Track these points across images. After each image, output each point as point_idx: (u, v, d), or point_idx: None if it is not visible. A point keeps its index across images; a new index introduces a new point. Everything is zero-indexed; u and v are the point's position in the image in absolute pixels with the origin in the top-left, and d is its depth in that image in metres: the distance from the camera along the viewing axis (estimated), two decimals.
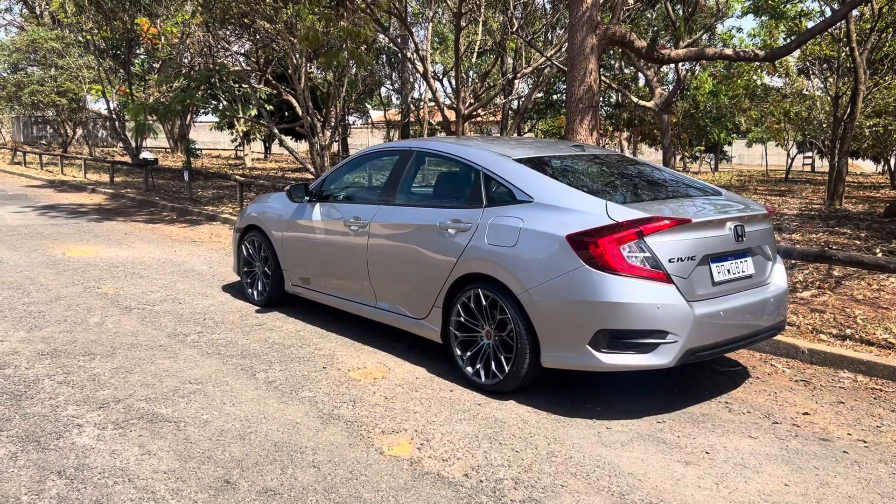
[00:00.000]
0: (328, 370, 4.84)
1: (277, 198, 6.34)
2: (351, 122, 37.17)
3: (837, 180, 15.00)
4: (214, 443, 3.70)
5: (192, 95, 20.51)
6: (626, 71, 24.35)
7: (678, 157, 31.44)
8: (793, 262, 7.45)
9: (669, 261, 3.93)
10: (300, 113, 18.28)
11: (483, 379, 4.44)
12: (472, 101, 20.27)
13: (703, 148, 32.68)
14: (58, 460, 3.49)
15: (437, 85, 28.01)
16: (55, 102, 29.60)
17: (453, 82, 21.08)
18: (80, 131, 34.04)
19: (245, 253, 6.65)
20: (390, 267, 5.09)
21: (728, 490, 3.31)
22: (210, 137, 42.61)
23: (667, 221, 3.93)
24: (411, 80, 29.14)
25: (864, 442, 3.86)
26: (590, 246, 3.92)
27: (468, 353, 4.55)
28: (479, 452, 3.65)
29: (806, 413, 4.24)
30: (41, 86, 29.99)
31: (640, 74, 22.53)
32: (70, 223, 11.85)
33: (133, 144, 24.40)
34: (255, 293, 6.54)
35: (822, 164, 32.48)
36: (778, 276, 4.62)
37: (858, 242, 9.50)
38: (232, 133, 32.84)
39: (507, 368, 4.28)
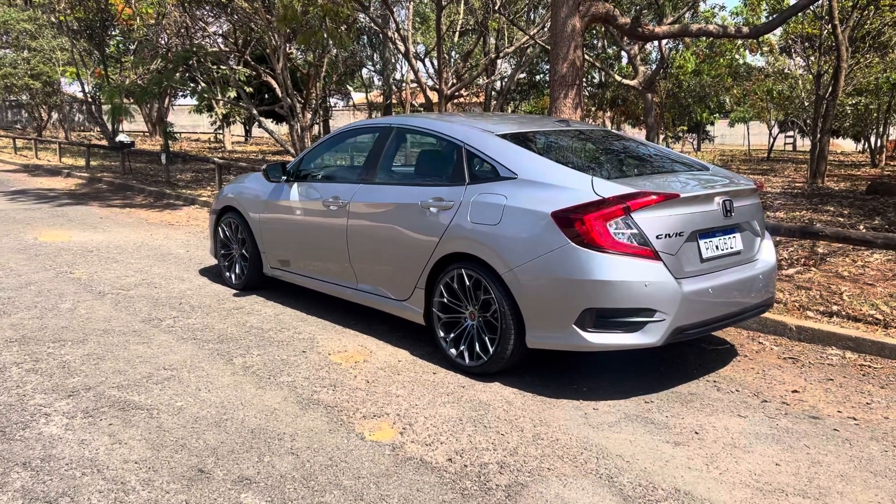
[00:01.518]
0: (308, 354, 4.71)
1: (254, 178, 6.17)
2: (333, 104, 36.78)
3: (819, 159, 15.00)
4: (188, 430, 3.57)
5: (168, 77, 20.12)
6: (610, 50, 24.20)
7: (661, 137, 31.43)
8: (778, 238, 7.40)
9: (657, 237, 3.82)
10: (280, 95, 18.02)
11: (467, 361, 4.32)
12: (455, 81, 20.07)
13: (685, 128, 32.67)
14: (23, 451, 3.34)
15: (419, 65, 27.74)
16: (28, 86, 29.01)
17: (435, 63, 20.86)
18: (55, 115, 33.44)
19: (222, 235, 6.48)
20: (371, 247, 4.95)
21: (718, 471, 3.23)
22: (190, 121, 42.01)
23: (654, 197, 3.81)
24: (393, 60, 28.79)
25: (855, 419, 3.80)
26: (575, 223, 3.80)
27: (452, 335, 4.44)
28: (463, 436, 3.54)
29: (795, 391, 4.18)
30: (14, 68, 29.37)
31: (623, 53, 22.39)
32: (43, 208, 11.58)
33: (110, 128, 23.97)
34: (233, 276, 6.38)
35: (804, 143, 32.61)
36: (766, 252, 4.54)
37: (842, 219, 9.48)
38: (211, 116, 32.41)
39: (491, 350, 4.17)
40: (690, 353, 4.76)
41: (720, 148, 35.96)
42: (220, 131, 32.38)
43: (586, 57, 20.38)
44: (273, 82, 17.14)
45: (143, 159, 19.43)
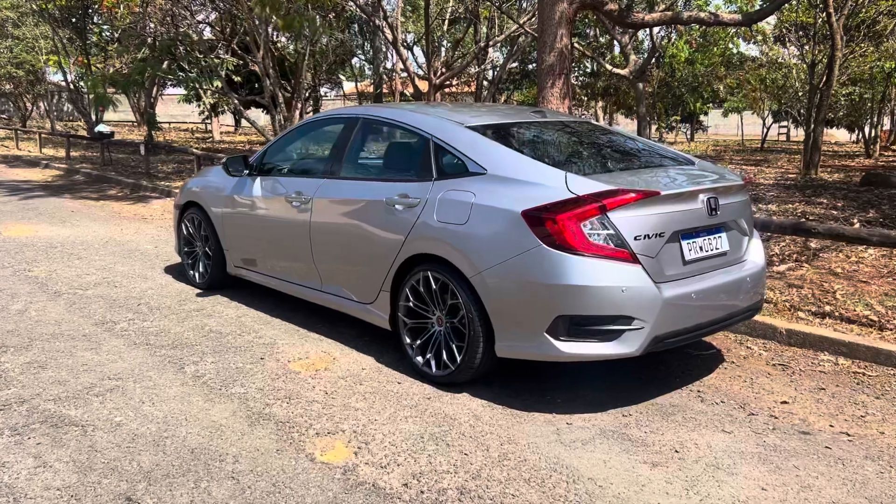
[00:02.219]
0: (266, 361, 4.40)
1: (217, 171, 5.84)
2: (323, 94, 36.29)
3: (813, 149, 14.71)
4: (123, 451, 3.26)
5: (152, 66, 19.69)
6: (602, 39, 23.84)
7: (654, 128, 31.12)
8: (769, 234, 7.11)
9: (635, 238, 3.52)
10: (266, 84, 17.64)
11: (434, 370, 4.03)
12: (444, 70, 19.71)
13: (679, 118, 32.37)
14: None
15: (409, 54, 27.30)
16: (11, 74, 28.50)
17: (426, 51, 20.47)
18: (41, 105, 32.93)
19: (185, 231, 6.15)
20: (335, 247, 4.64)
21: (699, 497, 2.94)
22: (179, 110, 41.43)
23: (632, 195, 3.51)
24: (384, 49, 28.38)
25: (848, 435, 3.52)
26: (547, 223, 3.50)
27: (418, 342, 4.14)
28: (422, 457, 3.25)
29: (784, 402, 3.89)
30: None
31: (615, 42, 22.03)
32: (14, 200, 11.22)
33: (93, 118, 23.53)
34: (197, 275, 6.07)
35: (797, 134, 32.34)
36: (755, 252, 4.25)
37: (836, 212, 9.21)
38: (199, 106, 31.96)
39: (459, 358, 3.88)
40: (673, 360, 4.47)
41: (714, 138, 35.65)
42: (209, 121, 31.92)
43: (577, 45, 20.05)
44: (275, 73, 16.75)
45: (126, 150, 19.03)
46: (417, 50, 27.49)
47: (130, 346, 4.62)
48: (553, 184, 3.62)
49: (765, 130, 27.24)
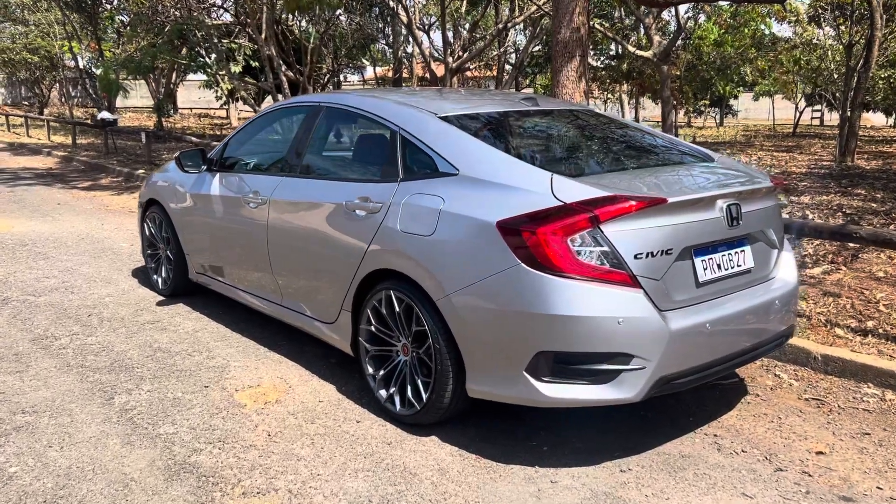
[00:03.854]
0: (210, 390, 3.80)
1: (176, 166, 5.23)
2: (344, 79, 35.63)
3: (849, 135, 13.77)
4: None
5: (163, 50, 19.20)
6: (627, 21, 22.86)
7: (682, 112, 30.02)
8: (802, 239, 6.36)
9: (636, 256, 2.84)
10: (282, 68, 17.06)
11: (398, 407, 3.39)
12: (462, 53, 18.97)
13: (707, 102, 31.23)
14: None
15: (427, 38, 26.53)
16: (27, 60, 28.26)
17: (449, 35, 19.73)
18: (55, 91, 32.70)
19: (147, 232, 5.57)
20: (293, 255, 4.02)
21: None
22: (202, 96, 41.01)
23: (632, 203, 2.82)
24: (404, 33, 27.65)
25: None
26: (525, 236, 2.83)
27: (381, 372, 3.50)
28: None
29: (820, 452, 3.20)
30: (13, 43, 28.63)
31: (641, 24, 21.07)
32: (2, 192, 10.75)
33: (106, 104, 23.14)
34: (160, 281, 5.48)
35: (832, 118, 31.08)
36: (786, 268, 3.53)
37: (875, 205, 8.40)
38: (216, 91, 31.50)
39: (425, 396, 3.23)
40: (686, 391, 3.78)
41: (744, 122, 34.46)
42: (227, 106, 31.46)
43: (600, 27, 19.16)
44: (279, 58, 16.16)
45: (134, 137, 18.56)
46: (436, 33, 26.65)
47: (62, 370, 4.04)
48: (536, 188, 2.95)
49: (797, 115, 26.10)
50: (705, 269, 3.07)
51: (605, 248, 2.81)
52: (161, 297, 5.41)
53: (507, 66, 25.39)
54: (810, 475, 3.01)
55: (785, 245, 3.62)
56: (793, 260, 3.62)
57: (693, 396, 3.74)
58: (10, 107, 34.92)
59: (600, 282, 2.80)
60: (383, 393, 3.48)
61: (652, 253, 2.86)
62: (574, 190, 2.89)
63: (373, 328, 3.50)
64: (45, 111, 29.66)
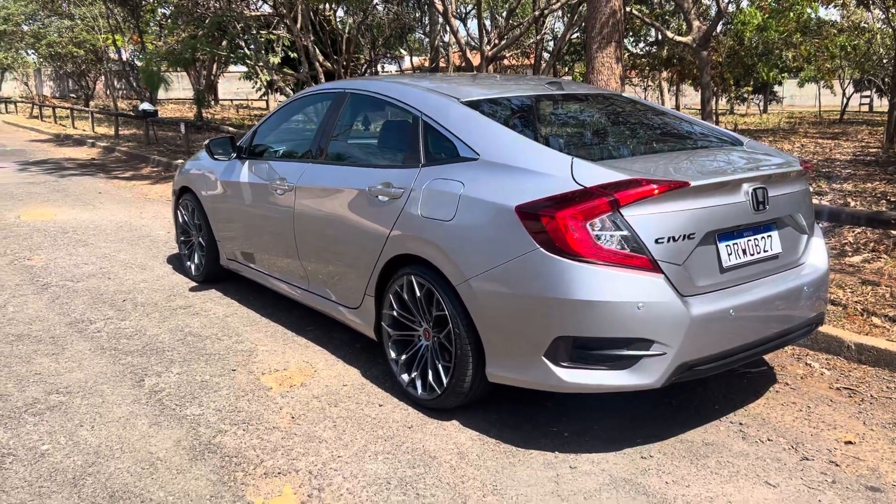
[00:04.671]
0: (237, 373, 3.86)
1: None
2: (381, 69, 35.70)
3: None
4: (32, 492, 2.76)
5: (203, 42, 19.47)
6: (667, 6, 22.45)
7: (725, 99, 29.41)
8: (836, 224, 6.20)
9: (656, 241, 2.80)
10: (320, 59, 17.18)
11: (419, 391, 3.41)
12: (498, 41, 18.85)
13: (750, 89, 30.53)
14: None
15: (464, 26, 26.40)
16: (73, 54, 28.92)
17: (486, 23, 19.62)
18: (103, 83, 33.37)
19: (181, 219, 5.67)
20: (318, 242, 4.06)
21: None
22: (244, 87, 41.49)
23: (654, 186, 2.78)
24: (441, 21, 27.59)
25: None
26: (544, 220, 2.81)
27: (403, 357, 3.52)
28: None
29: (849, 441, 3.13)
30: (59, 36, 29.32)
31: (680, 10, 20.68)
32: (47, 181, 11.05)
33: (147, 95, 23.58)
34: (193, 267, 5.58)
35: (881, 104, 30.14)
36: (816, 254, 3.45)
37: None
38: (255, 83, 31.88)
39: (445, 380, 3.24)
40: (713, 380, 3.73)
41: (788, 109, 33.64)
42: (265, 97, 31.83)
43: (639, 13, 18.86)
44: (314, 48, 16.29)
45: (174, 128, 18.88)
46: (473, 21, 26.54)
47: (95, 352, 4.15)
48: (555, 172, 2.92)
49: (844, 101, 25.39)
50: (730, 255, 3.01)
51: (626, 233, 2.78)
52: (194, 284, 5.51)
53: (545, 54, 25.14)
54: (837, 465, 2.94)
55: (815, 230, 3.53)
56: (823, 245, 3.53)
57: (719, 384, 3.68)
58: (58, 99, 35.83)
59: (620, 266, 2.77)
60: (405, 377, 3.50)
61: (673, 237, 2.82)
62: (594, 174, 2.86)
63: (395, 313, 3.51)
64: (91, 103, 30.33)
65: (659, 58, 22.63)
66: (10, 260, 6.23)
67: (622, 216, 2.77)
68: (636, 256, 2.78)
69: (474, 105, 3.47)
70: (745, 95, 31.28)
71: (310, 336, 4.40)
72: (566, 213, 2.78)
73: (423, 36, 32.14)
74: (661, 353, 2.80)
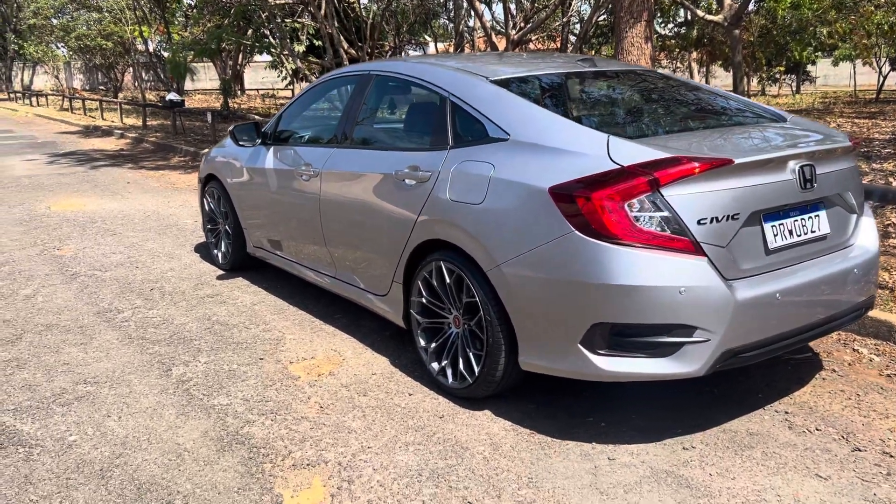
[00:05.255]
0: (265, 362, 3.80)
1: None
2: (406, 56, 35.55)
3: None
4: (59, 484, 2.72)
5: (228, 32, 19.50)
6: None
7: (756, 80, 28.79)
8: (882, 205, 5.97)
9: (699, 222, 2.66)
10: (345, 46, 17.10)
11: (450, 380, 3.31)
12: (523, 24, 18.61)
13: (783, 68, 29.86)
14: None
15: (489, 10, 26.11)
16: (101, 46, 29.18)
17: (511, 7, 19.35)
18: (132, 74, 33.66)
19: (207, 207, 5.63)
20: (344, 228, 3.97)
21: None
22: (270, 77, 41.59)
23: (696, 164, 2.64)
24: (464, 6, 27.33)
25: None
26: (580, 202, 2.69)
27: (433, 345, 3.43)
28: None
29: None
30: (88, 29, 29.59)
31: None
32: (76, 172, 11.12)
33: (174, 86, 23.73)
34: (220, 255, 5.54)
35: None
36: (865, 235, 3.27)
37: None
38: (281, 72, 31.93)
39: (477, 369, 3.14)
40: (755, 367, 3.58)
41: (822, 89, 32.84)
42: (291, 86, 31.85)
43: None
44: (338, 35, 16.23)
45: (201, 118, 18.96)
46: (499, 5, 26.24)
47: (123, 342, 4.11)
48: (591, 150, 2.79)
49: (881, 80, 24.69)
50: (775, 236, 2.87)
51: (666, 214, 2.65)
52: (221, 272, 5.47)
53: (571, 38, 24.80)
54: (892, 455, 2.79)
55: (865, 210, 3.36)
56: (874, 226, 3.36)
57: (762, 372, 3.53)
58: (88, 92, 36.22)
59: (660, 249, 2.64)
60: (435, 366, 3.40)
61: (716, 218, 2.68)
62: (632, 152, 2.72)
63: (424, 300, 3.42)
64: (119, 95, 30.61)
65: (688, 38, 22.19)
66: (40, 250, 6.24)
67: (662, 196, 2.64)
68: (677, 238, 2.65)
69: (504, 84, 3.34)
70: (777, 76, 30.63)
71: (338, 324, 4.33)
72: (603, 194, 2.65)
73: (447, 21, 31.88)
74: (705, 340, 2.67)
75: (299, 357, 3.86)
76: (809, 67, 33.03)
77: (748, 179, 2.76)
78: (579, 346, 2.77)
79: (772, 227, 2.86)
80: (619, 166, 2.69)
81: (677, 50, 24.42)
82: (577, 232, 2.70)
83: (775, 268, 2.87)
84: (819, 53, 28.80)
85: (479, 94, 3.30)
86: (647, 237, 2.64)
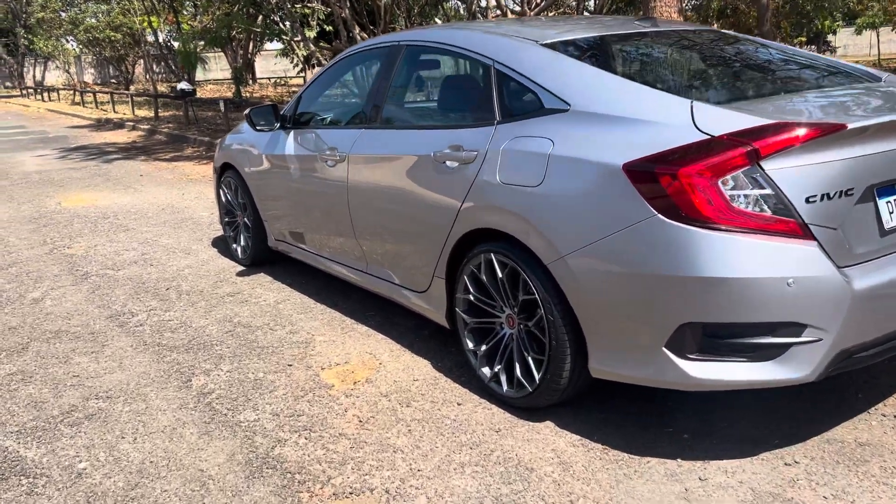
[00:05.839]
0: (294, 369, 3.43)
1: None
2: None
3: None
4: None
5: (237, 19, 19.11)
6: None
7: None
8: None
9: (807, 200, 2.24)
10: (357, 30, 16.63)
11: (505, 388, 2.92)
12: (539, 1, 18.08)
13: (804, 39, 29.09)
14: None
15: None
16: (111, 38, 28.89)
17: None
18: (142, 66, 33.36)
19: (224, 199, 5.25)
20: (375, 218, 3.58)
21: None
22: (281, 65, 41.17)
23: (803, 131, 2.21)
24: None
25: None
26: (664, 180, 2.27)
27: (483, 348, 3.03)
28: None
29: None
30: (97, 21, 29.29)
31: None
32: (88, 166, 10.79)
33: (185, 76, 23.37)
34: (239, 249, 5.17)
35: None
36: None
37: None
38: (292, 59, 31.50)
39: (538, 375, 2.74)
40: None
41: (844, 59, 31.96)
42: (303, 73, 31.45)
43: None
44: (352, 18, 15.77)
45: (213, 107, 18.61)
46: None
47: (138, 349, 3.75)
48: (671, 120, 2.37)
49: None
50: (891, 213, 2.44)
51: (768, 191, 2.22)
52: (241, 268, 5.10)
53: (587, 14, 24.14)
54: None
55: None
56: None
57: (864, 370, 3.11)
58: (100, 86, 35.98)
59: (762, 233, 2.22)
60: (486, 371, 3.01)
61: (828, 195, 2.25)
62: (723, 119, 2.30)
63: (471, 297, 3.02)
64: (131, 88, 30.32)
65: (711, 10, 21.53)
66: (49, 249, 5.91)
67: (763, 170, 2.22)
68: (782, 220, 2.23)
69: (556, 47, 2.92)
70: (798, 46, 29.84)
71: (371, 323, 3.95)
72: (691, 170, 2.23)
73: (459, 2, 31.30)
74: (817, 340, 2.25)
75: (332, 362, 3.49)
76: (830, 37, 32.17)
77: (861, 148, 2.32)
78: (665, 350, 2.36)
79: (886, 203, 2.43)
80: (708, 136, 2.26)
81: (699, 22, 23.73)
82: (660, 216, 2.28)
83: (891, 251, 2.44)
84: (840, 23, 27.99)
85: (530, 60, 2.88)
86: (747, 220, 2.22)
